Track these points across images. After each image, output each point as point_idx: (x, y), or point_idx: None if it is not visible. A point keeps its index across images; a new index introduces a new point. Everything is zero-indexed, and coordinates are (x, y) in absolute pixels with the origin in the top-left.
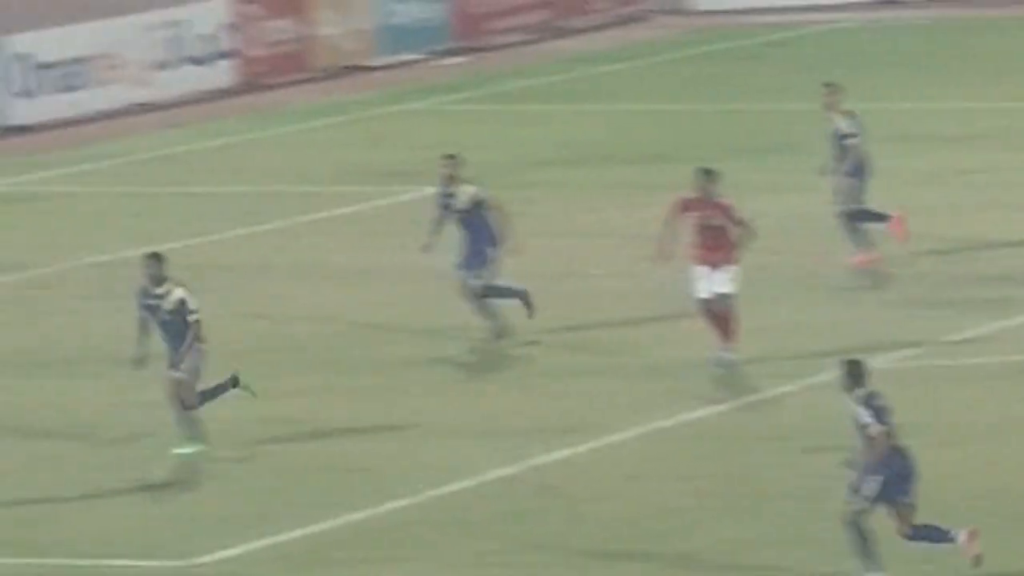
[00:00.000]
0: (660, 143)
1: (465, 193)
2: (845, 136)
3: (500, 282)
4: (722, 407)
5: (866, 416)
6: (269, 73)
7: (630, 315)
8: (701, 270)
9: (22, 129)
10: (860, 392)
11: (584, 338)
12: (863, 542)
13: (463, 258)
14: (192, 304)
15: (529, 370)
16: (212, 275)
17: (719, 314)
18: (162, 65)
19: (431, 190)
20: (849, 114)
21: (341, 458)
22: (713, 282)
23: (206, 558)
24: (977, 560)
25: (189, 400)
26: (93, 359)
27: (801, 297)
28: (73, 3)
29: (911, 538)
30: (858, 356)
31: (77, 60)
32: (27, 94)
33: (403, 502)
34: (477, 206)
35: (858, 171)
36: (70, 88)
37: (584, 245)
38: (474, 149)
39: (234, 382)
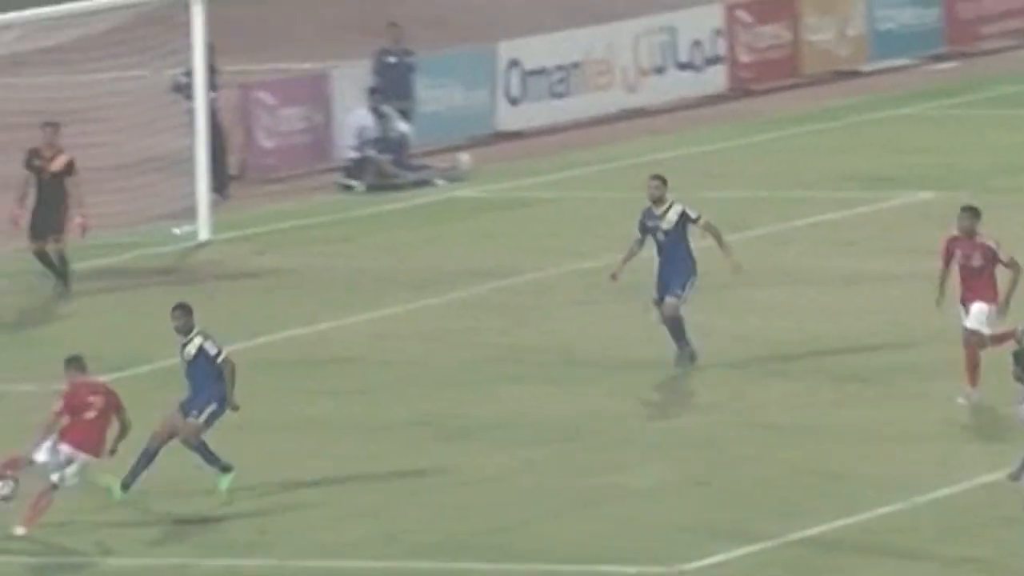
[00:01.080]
0: None
1: (675, 213)
2: None
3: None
4: None
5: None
6: (759, 79)
7: None
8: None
9: (512, 135)
10: None
11: None
12: None
13: (662, 282)
14: (213, 350)
15: None
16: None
17: (971, 350)
18: (653, 71)
19: (917, 195)
20: None
21: (825, 464)
22: (968, 318)
23: (691, 564)
24: None
25: (193, 441)
26: (577, 365)
27: None
28: (564, 9)
29: None
30: None
31: (567, 66)
32: (518, 100)
33: (889, 508)
34: (683, 228)
35: None
36: (559, 94)
37: None
38: (961, 154)
39: (225, 469)
